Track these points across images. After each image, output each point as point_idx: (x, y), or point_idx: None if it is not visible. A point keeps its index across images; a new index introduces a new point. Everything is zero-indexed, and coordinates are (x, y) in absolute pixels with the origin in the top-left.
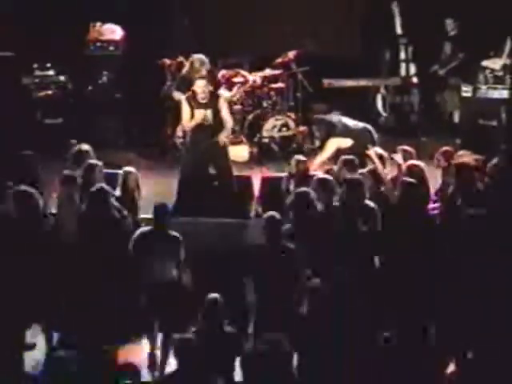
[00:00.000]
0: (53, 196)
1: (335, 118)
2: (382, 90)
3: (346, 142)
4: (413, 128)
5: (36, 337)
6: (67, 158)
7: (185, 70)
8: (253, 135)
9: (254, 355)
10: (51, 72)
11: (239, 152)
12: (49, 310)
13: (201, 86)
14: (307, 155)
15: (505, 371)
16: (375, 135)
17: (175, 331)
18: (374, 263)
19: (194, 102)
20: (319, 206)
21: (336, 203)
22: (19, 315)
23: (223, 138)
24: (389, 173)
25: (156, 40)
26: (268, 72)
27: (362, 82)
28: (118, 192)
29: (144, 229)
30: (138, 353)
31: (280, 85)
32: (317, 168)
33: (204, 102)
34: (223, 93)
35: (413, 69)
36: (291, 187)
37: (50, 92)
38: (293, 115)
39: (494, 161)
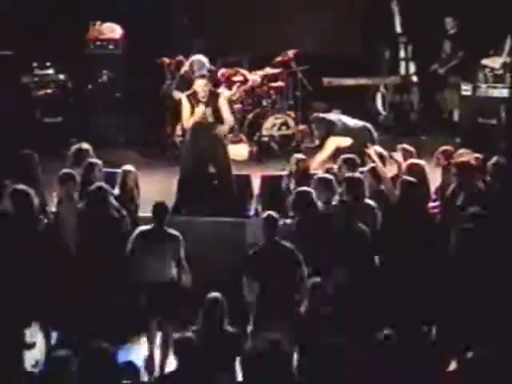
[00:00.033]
0: (53, 195)
1: (334, 116)
2: (382, 89)
3: (346, 141)
4: (412, 127)
5: (36, 336)
6: (67, 157)
7: (184, 70)
8: (252, 134)
9: (254, 355)
10: (51, 71)
11: (239, 151)
12: (47, 309)
13: (201, 85)
14: (305, 154)
15: (505, 370)
16: (374, 134)
17: (175, 330)
18: (374, 263)
19: (194, 100)
20: (320, 205)
21: (336, 202)
22: (17, 314)
23: (223, 129)
24: (389, 172)
25: (156, 39)
26: (268, 71)
27: (362, 81)
28: (116, 191)
29: (144, 228)
30: (138, 353)
31: (280, 83)
32: (317, 167)
33: (204, 100)
34: (223, 91)
35: (412, 67)
36: (292, 186)
37: (49, 91)
38: (292, 114)
39: (494, 159)
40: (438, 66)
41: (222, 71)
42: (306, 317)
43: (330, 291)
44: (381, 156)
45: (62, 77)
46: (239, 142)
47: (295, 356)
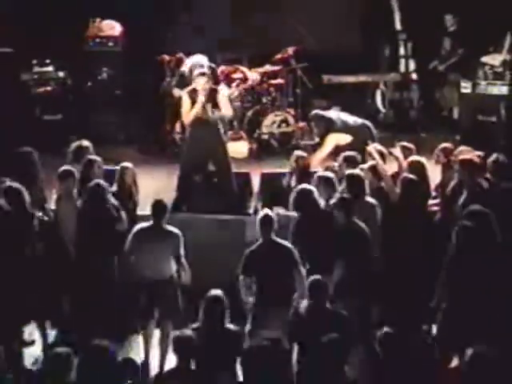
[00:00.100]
0: (53, 192)
1: (334, 114)
2: (382, 86)
3: (345, 139)
4: (412, 124)
5: (35, 333)
6: (67, 154)
7: (182, 70)
8: (252, 131)
9: (253, 354)
10: (50, 68)
11: (238, 148)
12: (44, 306)
13: (201, 84)
14: (305, 151)
15: (506, 368)
16: (374, 131)
17: (174, 328)
18: (374, 261)
19: (194, 96)
20: (321, 203)
21: (336, 200)
22: (15, 312)
23: (221, 115)
24: (389, 169)
25: (155, 36)
26: (267, 68)
27: (362, 78)
28: (114, 188)
29: (143, 225)
30: (138, 351)
31: (279, 81)
32: (317, 164)
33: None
34: (223, 89)
35: (412, 65)
36: (292, 183)
37: (49, 88)
38: (292, 111)
39: (494, 157)
40: (437, 64)
41: (221, 68)
42: (305, 315)
43: (329, 289)
44: (381, 153)
45: (61, 74)
46: (239, 139)
47: (295, 355)
